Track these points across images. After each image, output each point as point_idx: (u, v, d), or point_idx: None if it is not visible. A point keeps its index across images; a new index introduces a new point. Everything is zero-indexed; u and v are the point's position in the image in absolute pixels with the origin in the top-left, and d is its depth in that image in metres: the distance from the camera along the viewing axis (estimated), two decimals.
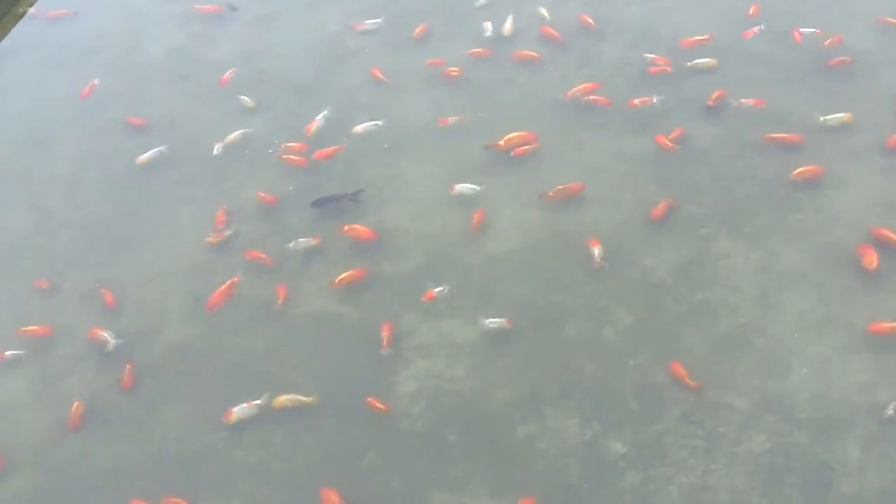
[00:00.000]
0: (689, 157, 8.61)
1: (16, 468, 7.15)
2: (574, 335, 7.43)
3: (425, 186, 8.67)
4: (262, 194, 8.73)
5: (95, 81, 10.25)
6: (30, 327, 7.97)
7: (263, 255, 8.21)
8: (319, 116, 9.36)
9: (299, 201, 8.67)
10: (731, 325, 7.34)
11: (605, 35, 10.05)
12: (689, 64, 9.39)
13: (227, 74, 10.09)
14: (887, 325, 7.12)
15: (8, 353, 7.83)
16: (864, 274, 7.47)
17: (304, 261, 8.21)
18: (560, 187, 8.37)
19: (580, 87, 9.31)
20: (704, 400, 6.90)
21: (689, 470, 6.56)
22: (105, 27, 11.17)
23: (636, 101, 9.05)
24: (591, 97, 9.21)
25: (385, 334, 7.47)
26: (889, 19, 9.63)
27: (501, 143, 8.79)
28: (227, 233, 8.44)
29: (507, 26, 10.15)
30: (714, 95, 8.98)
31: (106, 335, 7.75)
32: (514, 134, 8.84)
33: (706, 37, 9.67)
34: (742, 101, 8.92)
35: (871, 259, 7.47)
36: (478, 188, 8.50)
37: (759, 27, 9.72)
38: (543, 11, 10.26)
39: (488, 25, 10.20)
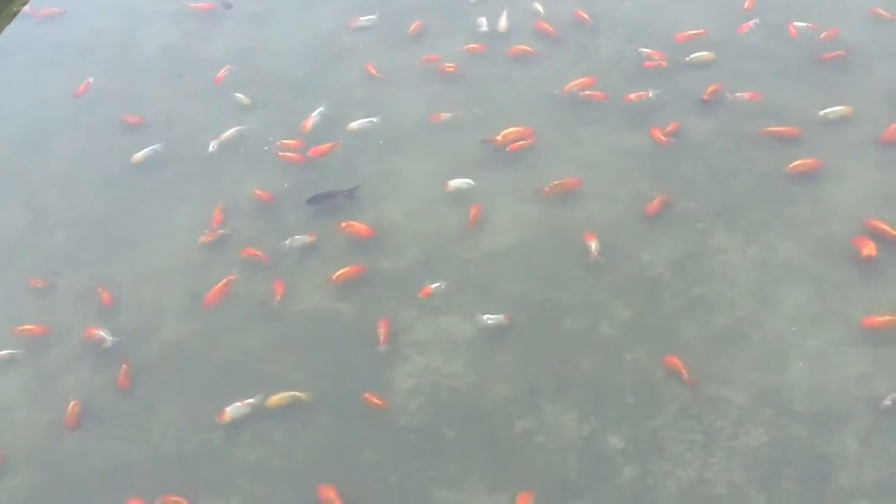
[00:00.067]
0: (685, 152, 8.61)
1: (12, 468, 7.13)
2: (571, 330, 7.42)
3: (421, 182, 8.66)
4: (258, 192, 8.72)
5: (90, 80, 10.24)
6: (26, 326, 7.95)
7: (259, 253, 8.20)
8: (315, 113, 9.35)
9: (295, 198, 8.66)
10: (728, 319, 7.33)
11: (600, 30, 10.05)
12: (686, 58, 9.39)
13: (222, 72, 10.08)
14: (880, 318, 7.12)
15: (4, 352, 7.81)
16: (861, 267, 7.47)
17: (300, 258, 8.20)
18: (556, 182, 8.36)
19: (577, 81, 9.30)
20: (702, 394, 6.90)
21: (686, 464, 6.56)
22: (99, 25, 11.16)
23: (632, 96, 9.05)
24: (588, 92, 9.20)
25: (382, 331, 7.46)
26: (880, 11, 9.65)
27: (499, 137, 8.78)
28: (221, 232, 8.42)
29: (503, 22, 10.14)
30: (709, 89, 8.98)
31: (102, 333, 7.74)
32: (512, 129, 8.83)
33: (701, 31, 9.67)
34: (737, 94, 8.92)
35: (871, 248, 7.47)
36: (472, 182, 8.49)
37: (753, 21, 9.72)
38: (538, 6, 10.27)
39: (483, 21, 10.19)
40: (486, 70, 9.75)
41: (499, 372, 7.23)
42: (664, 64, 9.39)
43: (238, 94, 9.80)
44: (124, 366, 7.50)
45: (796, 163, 8.22)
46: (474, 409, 7.05)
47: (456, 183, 8.49)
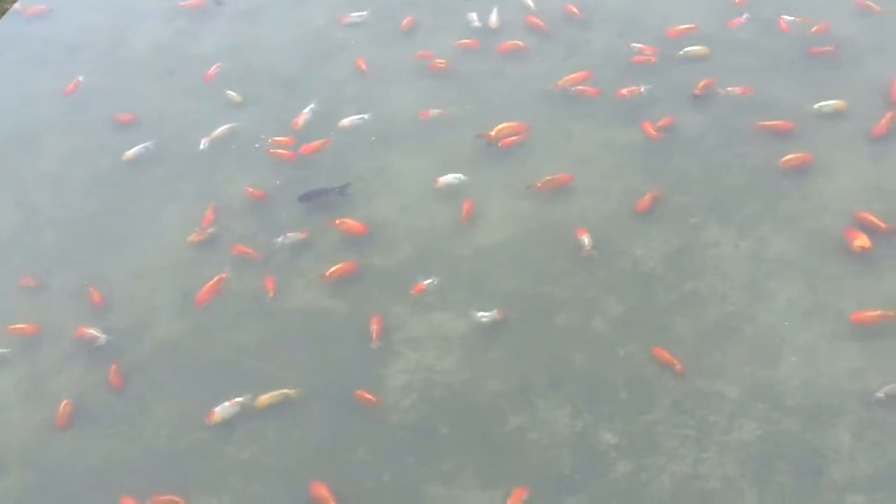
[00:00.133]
0: (677, 146, 8.61)
1: (5, 467, 7.11)
2: (564, 326, 7.42)
3: (413, 179, 8.65)
4: (250, 189, 8.70)
5: (80, 78, 10.19)
6: (17, 325, 7.91)
7: (251, 251, 8.18)
8: (306, 110, 9.33)
9: (287, 196, 8.64)
10: (720, 314, 7.34)
11: (590, 24, 10.04)
12: (680, 52, 9.39)
13: (213, 69, 10.05)
14: (868, 314, 7.12)
15: None
16: (853, 260, 7.48)
17: (292, 255, 8.18)
18: (548, 178, 8.35)
19: (571, 76, 9.29)
20: (695, 389, 6.90)
21: (680, 459, 6.56)
22: (89, 23, 11.10)
23: (624, 91, 9.05)
24: (579, 87, 9.19)
25: (375, 327, 7.45)
26: (870, 3, 9.65)
27: (492, 133, 8.77)
28: (210, 231, 8.39)
29: (493, 18, 10.12)
30: (701, 84, 8.98)
31: (94, 332, 7.71)
32: (505, 124, 8.82)
33: (692, 26, 9.66)
34: (729, 89, 8.92)
35: (863, 240, 7.49)
36: (463, 177, 8.48)
37: (745, 16, 9.72)
38: (528, 1, 10.25)
39: (474, 16, 10.17)
40: (477, 66, 9.73)
41: (492, 368, 7.22)
42: (653, 60, 9.39)
43: (229, 92, 9.77)
44: (114, 366, 7.48)
45: (788, 157, 8.22)
46: (467, 405, 7.04)
47: (446, 179, 8.48)
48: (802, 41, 9.38)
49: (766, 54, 9.38)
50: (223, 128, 9.36)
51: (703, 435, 6.66)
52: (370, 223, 8.28)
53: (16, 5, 11.36)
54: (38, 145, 9.66)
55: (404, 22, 10.29)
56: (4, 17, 11.25)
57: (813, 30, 9.42)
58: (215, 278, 7.98)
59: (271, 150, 9.07)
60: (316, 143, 8.98)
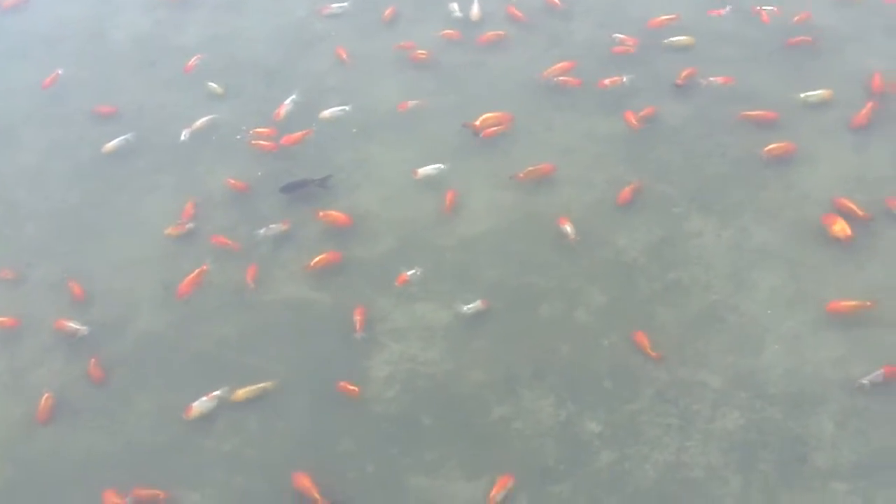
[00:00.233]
0: (659, 137, 8.61)
1: None
2: (548, 316, 7.41)
3: (395, 170, 8.62)
4: (232, 180, 8.65)
5: (59, 71, 10.10)
6: None
7: (233, 242, 8.13)
8: (288, 101, 9.29)
9: (268, 187, 8.59)
10: (703, 303, 7.35)
11: (572, 15, 10.04)
12: (665, 42, 9.39)
13: (193, 60, 9.98)
14: (845, 303, 7.14)
15: None
16: (835, 249, 7.50)
17: (274, 247, 8.14)
18: (531, 168, 8.34)
19: (556, 66, 9.28)
20: (678, 378, 6.91)
21: (663, 448, 6.57)
22: (67, 14, 11.02)
23: (606, 82, 9.04)
24: (562, 78, 9.18)
25: (358, 318, 7.42)
26: None
27: (477, 123, 8.74)
28: (189, 226, 8.33)
29: (475, 9, 10.08)
30: (683, 74, 8.98)
31: (73, 325, 7.65)
32: (490, 114, 8.80)
33: (673, 16, 9.66)
34: (711, 79, 8.93)
35: (843, 226, 7.51)
36: (442, 167, 8.46)
37: (727, 7, 9.73)
38: None
39: (455, 7, 10.14)
40: (459, 57, 9.71)
41: (476, 358, 7.21)
42: (636, 49, 9.39)
43: (210, 83, 9.72)
44: (93, 360, 7.42)
45: (771, 146, 8.23)
46: (451, 395, 7.03)
47: (425, 170, 8.45)
48: (783, 31, 9.40)
49: (748, 45, 9.40)
50: (204, 119, 9.31)
51: (687, 424, 6.67)
52: (353, 214, 8.25)
53: None
54: (17, 138, 9.59)
55: (386, 13, 10.27)
56: None
57: (794, 19, 9.45)
58: (196, 271, 7.93)
59: (253, 142, 9.02)
60: (297, 135, 8.94)
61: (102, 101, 9.72)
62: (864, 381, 6.66)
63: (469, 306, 7.42)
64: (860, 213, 7.63)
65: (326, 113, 9.15)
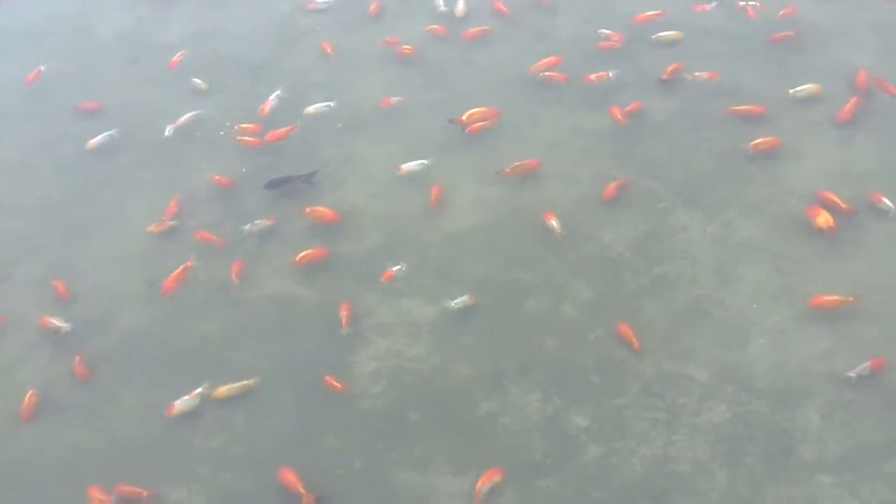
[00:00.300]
0: (645, 132, 8.62)
1: None
2: (534, 311, 7.41)
3: (381, 166, 8.60)
4: (217, 176, 8.61)
5: (42, 67, 10.03)
6: None
7: (217, 239, 8.10)
8: (272, 97, 9.26)
9: (253, 183, 8.56)
10: (689, 298, 7.36)
11: (557, 10, 10.06)
12: (653, 37, 9.40)
13: (177, 56, 9.94)
14: (827, 298, 7.15)
15: None
16: (820, 243, 7.53)
17: (259, 243, 8.11)
18: (517, 164, 8.33)
19: (544, 61, 9.28)
20: (665, 372, 6.92)
21: (650, 442, 6.58)
22: (50, 10, 10.96)
23: (592, 77, 9.04)
24: (548, 73, 9.18)
25: (344, 314, 7.40)
26: None
27: (464, 118, 8.73)
28: (172, 223, 8.29)
29: (460, 5, 10.07)
30: (668, 69, 8.99)
31: (57, 322, 7.60)
32: (476, 109, 8.79)
33: (659, 12, 9.67)
34: (696, 74, 8.94)
35: (826, 217, 7.54)
36: (425, 162, 8.45)
37: (711, 3, 9.75)
38: None
39: (440, 2, 10.13)
40: (445, 52, 9.71)
41: (462, 354, 7.20)
42: (617, 45, 9.39)
43: (195, 79, 9.68)
44: (77, 357, 7.37)
45: (756, 141, 8.25)
46: (438, 391, 7.02)
47: (409, 166, 8.44)
48: (768, 27, 9.42)
49: (733, 40, 9.43)
50: (188, 115, 9.27)
51: (674, 418, 6.68)
52: (338, 210, 8.22)
53: None
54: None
55: (371, 7, 10.26)
56: None
57: (780, 14, 9.48)
58: (181, 267, 7.89)
59: (237, 138, 8.98)
60: (282, 130, 8.91)
61: (86, 98, 9.68)
62: (852, 373, 6.69)
63: (457, 301, 7.41)
64: (843, 206, 7.66)
65: (311, 109, 9.12)
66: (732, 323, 7.17)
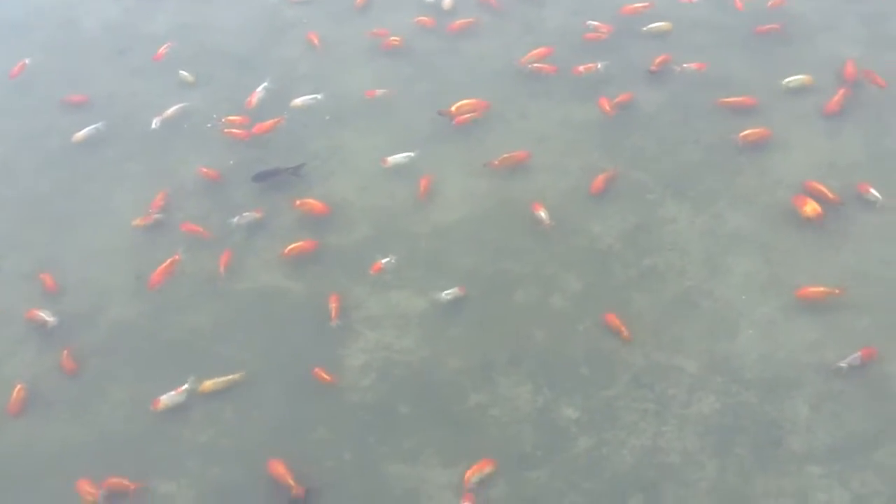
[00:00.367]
0: (634, 123, 8.62)
1: None
2: (523, 303, 7.41)
3: (369, 158, 8.57)
4: (204, 169, 8.57)
5: (26, 60, 9.95)
6: None
7: (205, 231, 8.06)
8: (260, 89, 9.22)
9: (241, 176, 8.53)
10: (678, 289, 7.37)
11: (544, 2, 10.05)
12: (644, 29, 9.39)
13: (164, 48, 9.88)
14: (813, 290, 7.16)
15: None
16: (809, 234, 7.54)
17: (247, 236, 8.08)
18: (506, 156, 8.32)
19: (533, 52, 9.26)
20: (654, 363, 6.92)
21: (640, 433, 6.58)
22: (36, 2, 10.88)
23: (581, 69, 9.03)
24: (536, 65, 9.16)
25: (333, 306, 7.38)
26: None
27: (453, 109, 8.71)
28: (157, 216, 8.24)
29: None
30: (657, 61, 8.99)
31: (44, 315, 7.56)
32: (465, 101, 8.77)
33: (647, 4, 9.66)
34: (685, 66, 8.94)
35: (813, 206, 7.56)
36: (412, 154, 8.42)
37: None
38: None
39: None
40: (433, 44, 9.68)
41: (452, 346, 7.19)
42: (604, 37, 9.38)
43: (181, 71, 9.62)
44: (65, 352, 7.34)
45: (746, 132, 8.26)
46: (428, 383, 7.01)
47: (395, 158, 8.42)
48: (757, 18, 9.43)
49: (721, 31, 9.43)
50: (175, 107, 9.22)
51: (663, 409, 6.68)
52: (327, 202, 8.19)
53: None
54: None
55: None
56: None
57: (768, 5, 9.50)
58: (168, 260, 7.85)
59: (225, 130, 8.94)
60: (269, 123, 8.86)
61: (72, 90, 9.62)
62: (843, 363, 6.70)
63: (447, 292, 7.40)
64: (831, 195, 7.67)
65: (298, 101, 9.08)
66: (721, 314, 7.18)
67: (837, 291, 7.11)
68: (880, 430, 6.44)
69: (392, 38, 9.63)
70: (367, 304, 7.52)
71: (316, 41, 9.75)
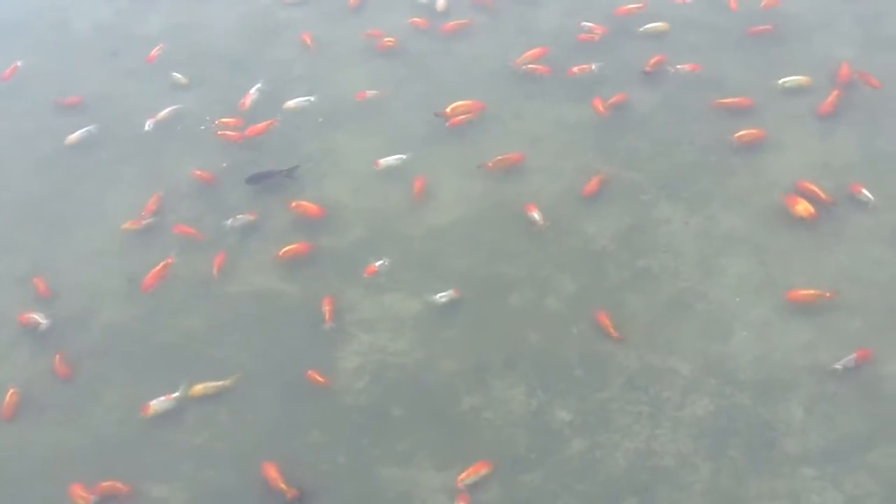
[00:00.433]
0: (628, 124, 8.61)
1: None
2: (518, 305, 7.40)
3: (363, 159, 8.55)
4: (197, 171, 8.55)
5: (18, 63, 9.92)
6: None
7: (199, 234, 8.04)
8: (253, 90, 9.19)
9: (234, 178, 8.51)
10: (672, 290, 7.36)
11: (539, 3, 10.03)
12: (640, 29, 9.38)
13: (156, 50, 9.86)
14: (804, 293, 7.15)
15: None
16: (802, 235, 7.54)
17: (241, 238, 8.06)
18: (500, 157, 8.31)
19: (527, 54, 9.25)
20: (648, 365, 6.91)
21: (634, 435, 6.57)
22: (27, 4, 10.86)
23: (575, 70, 9.02)
24: (530, 66, 9.15)
25: (327, 309, 7.36)
26: None
27: (448, 111, 8.70)
28: (148, 220, 8.22)
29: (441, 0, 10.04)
30: (651, 62, 8.98)
31: (37, 317, 7.54)
32: (461, 102, 8.76)
33: (640, 5, 9.65)
34: (679, 66, 8.93)
35: (805, 205, 7.56)
36: (404, 157, 8.41)
37: None
38: None
39: None
40: (427, 45, 9.67)
41: (446, 348, 7.18)
42: (596, 38, 9.37)
43: (174, 73, 9.60)
44: (60, 352, 7.32)
45: (741, 133, 8.25)
46: (421, 386, 6.99)
47: (387, 161, 8.40)
48: (751, 19, 9.42)
49: (714, 32, 9.42)
50: (168, 109, 9.21)
51: (657, 411, 6.68)
52: (320, 205, 8.17)
53: None
54: None
55: (352, 0, 10.18)
56: None
57: (762, 5, 9.50)
58: (161, 263, 7.83)
59: (218, 132, 8.92)
60: (262, 125, 8.84)
61: (64, 92, 9.59)
62: (838, 365, 6.70)
63: (441, 294, 7.39)
64: (823, 196, 7.67)
65: (291, 103, 9.07)
66: (715, 315, 7.17)
67: (828, 294, 7.10)
68: (874, 431, 6.44)
69: (386, 39, 9.62)
70: (361, 307, 7.50)
71: (310, 43, 9.73)
